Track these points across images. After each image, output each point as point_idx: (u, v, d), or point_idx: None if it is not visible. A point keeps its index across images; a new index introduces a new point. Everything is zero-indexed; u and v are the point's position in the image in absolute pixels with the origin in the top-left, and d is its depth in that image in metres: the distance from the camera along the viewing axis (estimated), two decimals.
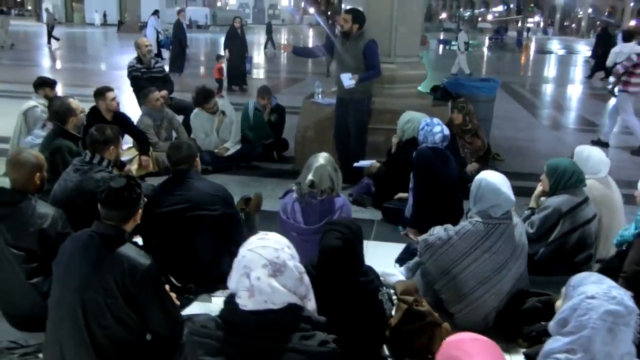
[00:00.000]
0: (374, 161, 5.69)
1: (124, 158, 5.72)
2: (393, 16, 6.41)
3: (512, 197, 3.27)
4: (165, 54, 18.66)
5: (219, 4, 68.88)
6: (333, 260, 2.59)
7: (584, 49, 36.80)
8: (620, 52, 10.00)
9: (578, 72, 23.29)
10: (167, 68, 8.16)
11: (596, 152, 4.35)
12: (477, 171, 5.88)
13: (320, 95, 6.84)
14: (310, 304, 1.89)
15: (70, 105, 4.43)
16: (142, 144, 5.95)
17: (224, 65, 13.41)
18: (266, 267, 1.82)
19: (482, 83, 7.25)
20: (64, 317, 2.56)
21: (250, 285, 1.80)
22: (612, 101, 9.69)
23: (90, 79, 13.41)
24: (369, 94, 5.94)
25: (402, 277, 3.84)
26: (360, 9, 6.13)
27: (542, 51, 37.42)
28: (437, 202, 4.73)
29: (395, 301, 3.14)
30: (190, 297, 3.61)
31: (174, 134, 6.66)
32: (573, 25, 75.45)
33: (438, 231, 3.50)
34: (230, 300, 1.88)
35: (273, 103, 7.10)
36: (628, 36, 11.21)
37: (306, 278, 1.91)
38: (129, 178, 2.74)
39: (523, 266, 3.37)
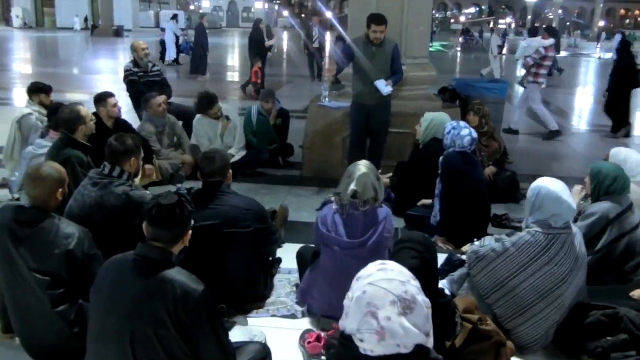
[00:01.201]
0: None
1: None
2: (403, 18, 6.24)
3: (574, 205, 3.09)
4: (182, 58, 19.32)
5: (191, 7, 68.10)
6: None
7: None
8: (529, 46, 10.54)
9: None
10: (166, 71, 7.77)
11: (634, 155, 4.19)
12: (495, 175, 5.78)
13: (327, 99, 6.61)
14: (430, 341, 1.64)
15: (80, 112, 4.12)
16: (146, 152, 5.61)
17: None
18: (395, 305, 1.55)
19: (492, 84, 7.11)
20: (109, 352, 2.28)
21: (379, 327, 1.53)
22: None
23: (63, 84, 12.92)
24: (390, 98, 5.76)
25: (445, 291, 3.63)
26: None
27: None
28: (466, 209, 4.55)
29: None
30: (224, 319, 3.34)
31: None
32: (544, 26, 76.57)
33: (489, 242, 3.29)
34: (345, 343, 1.63)
35: (277, 107, 6.84)
36: (534, 31, 11.97)
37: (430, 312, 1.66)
38: (179, 194, 2.47)
39: (583, 277, 3.18)
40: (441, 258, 4.09)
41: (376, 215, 3.34)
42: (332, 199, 3.43)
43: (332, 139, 6.33)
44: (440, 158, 4.68)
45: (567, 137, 9.41)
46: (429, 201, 4.91)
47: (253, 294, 3.50)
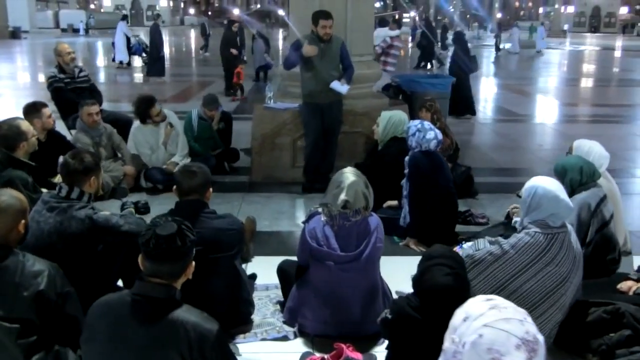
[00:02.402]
0: None
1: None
2: (347, 16, 6.12)
3: (571, 203, 3.05)
4: (135, 60, 18.91)
5: (92, 6, 64.96)
6: (446, 301, 2.18)
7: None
8: (377, 36, 10.94)
9: None
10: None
11: (597, 147, 4.25)
12: (451, 170, 5.76)
13: (272, 100, 6.36)
14: None
15: (21, 127, 3.65)
16: None
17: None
18: (520, 349, 1.35)
19: (437, 79, 7.13)
20: None
21: None
22: None
23: None
24: (342, 97, 5.63)
25: None
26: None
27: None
28: (436, 209, 4.48)
29: None
30: None
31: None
32: (446, 19, 79.38)
33: (484, 245, 3.20)
34: None
35: (219, 110, 6.50)
36: (382, 22, 12.46)
37: None
38: (179, 221, 2.17)
39: (581, 275, 3.16)
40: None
41: (368, 225, 3.17)
42: (320, 210, 3.22)
43: (282, 142, 6.09)
44: (406, 158, 4.57)
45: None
46: (394, 202, 4.80)
47: (239, 318, 3.22)
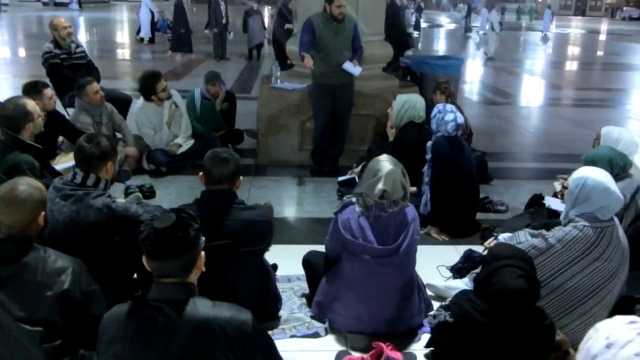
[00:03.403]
0: (354, 176, 5.13)
1: (61, 166, 4.69)
2: None
3: (621, 195, 2.89)
4: (159, 38, 18.32)
5: None
6: (517, 306, 2.02)
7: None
8: None
9: None
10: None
11: (626, 134, 4.10)
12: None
13: (279, 80, 6.11)
14: None
15: (27, 107, 3.38)
16: None
17: None
18: None
19: (448, 61, 6.91)
20: None
21: None
22: None
23: None
24: (354, 78, 5.42)
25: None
26: None
27: None
28: (458, 196, 4.31)
29: None
30: None
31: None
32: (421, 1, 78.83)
33: (524, 237, 3.04)
34: None
35: (223, 89, 6.24)
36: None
37: None
38: (178, 211, 1.96)
39: (627, 271, 3.02)
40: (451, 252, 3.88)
41: (405, 216, 2.99)
42: (354, 200, 3.02)
43: (290, 124, 5.86)
44: (428, 143, 4.40)
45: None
46: (413, 189, 4.61)
47: (267, 314, 3.03)
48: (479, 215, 4.65)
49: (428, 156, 4.37)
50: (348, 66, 5.20)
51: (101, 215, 2.83)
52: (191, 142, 5.78)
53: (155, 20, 18.58)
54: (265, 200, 4.47)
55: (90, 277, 2.34)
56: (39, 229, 2.34)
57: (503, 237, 3.33)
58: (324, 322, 3.09)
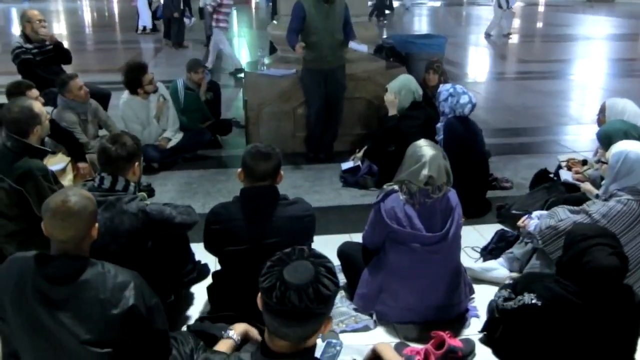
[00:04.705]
0: (358, 163, 5.05)
1: (54, 167, 4.41)
2: None
3: None
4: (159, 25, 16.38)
5: None
6: (611, 284, 1.99)
7: None
8: None
9: None
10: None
11: (630, 105, 4.16)
12: None
13: (265, 67, 5.94)
14: None
15: (33, 109, 3.12)
16: (76, 148, 4.60)
17: None
18: None
19: (432, 40, 6.85)
20: None
21: None
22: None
23: None
24: (345, 62, 5.33)
25: (505, 271, 3.36)
26: None
27: None
28: (471, 176, 4.29)
29: None
30: None
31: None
32: None
33: (564, 214, 3.03)
34: None
35: (206, 79, 6.02)
36: None
37: None
38: (314, 261, 1.61)
39: None
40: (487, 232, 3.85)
41: (449, 201, 2.93)
42: (396, 187, 2.94)
43: (281, 111, 5.71)
44: (438, 125, 4.36)
45: None
46: None
47: None
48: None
49: (439, 137, 4.33)
50: (354, 45, 5.12)
51: (137, 221, 2.66)
52: (180, 135, 5.56)
53: (154, 9, 16.79)
54: None
55: (151, 289, 2.18)
56: (91, 242, 2.15)
57: (535, 214, 3.34)
58: (369, 314, 3.01)
